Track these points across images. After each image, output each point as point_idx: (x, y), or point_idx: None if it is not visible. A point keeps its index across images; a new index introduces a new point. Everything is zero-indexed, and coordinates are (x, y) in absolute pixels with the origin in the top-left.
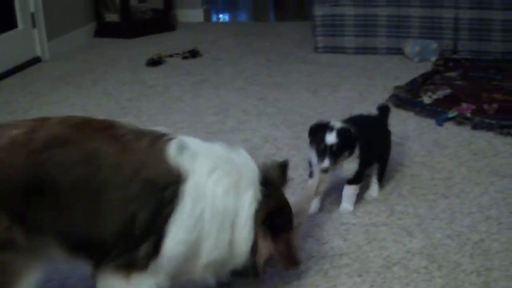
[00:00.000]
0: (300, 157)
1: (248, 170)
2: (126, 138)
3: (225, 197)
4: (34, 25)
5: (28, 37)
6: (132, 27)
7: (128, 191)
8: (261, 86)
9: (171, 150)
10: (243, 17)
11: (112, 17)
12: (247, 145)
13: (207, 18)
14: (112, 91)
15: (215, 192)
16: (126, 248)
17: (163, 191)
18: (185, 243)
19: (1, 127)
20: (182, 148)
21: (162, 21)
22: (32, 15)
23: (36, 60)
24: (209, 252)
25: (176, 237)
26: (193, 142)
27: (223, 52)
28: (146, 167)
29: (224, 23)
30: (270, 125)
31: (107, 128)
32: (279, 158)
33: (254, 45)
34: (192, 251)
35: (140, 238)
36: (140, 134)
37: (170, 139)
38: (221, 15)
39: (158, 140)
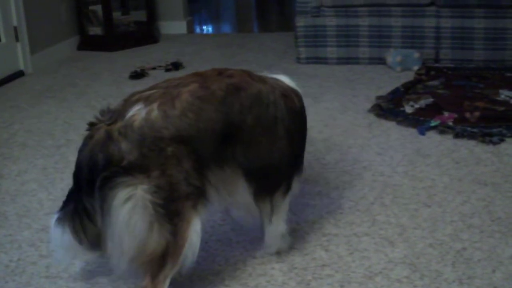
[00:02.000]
0: None
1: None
2: (265, 79)
3: None
4: (17, 38)
5: (11, 51)
6: (115, 40)
7: (287, 121)
8: None
9: (287, 81)
10: (226, 28)
11: (95, 30)
12: None
13: (190, 30)
14: (96, 105)
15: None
16: (291, 171)
17: (302, 114)
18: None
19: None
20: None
21: (145, 34)
22: (15, 28)
23: (19, 74)
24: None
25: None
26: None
27: (206, 63)
28: (288, 98)
29: (207, 35)
30: None
31: (251, 74)
32: None
33: (237, 57)
34: None
35: (298, 158)
36: (263, 76)
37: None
38: (204, 27)
39: (274, 77)
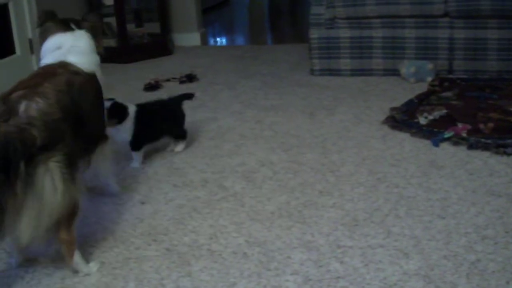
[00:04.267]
0: (297, 180)
1: None
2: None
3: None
4: (32, 51)
5: (26, 63)
6: (129, 51)
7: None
8: (258, 109)
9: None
10: (240, 40)
11: (109, 42)
12: (244, 168)
13: (204, 42)
14: None
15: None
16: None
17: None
18: None
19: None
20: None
21: (160, 46)
22: (30, 41)
23: None
24: None
25: None
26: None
27: (220, 76)
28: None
29: (221, 46)
30: (266, 149)
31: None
32: (276, 182)
33: (250, 69)
34: None
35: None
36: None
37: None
38: (218, 39)
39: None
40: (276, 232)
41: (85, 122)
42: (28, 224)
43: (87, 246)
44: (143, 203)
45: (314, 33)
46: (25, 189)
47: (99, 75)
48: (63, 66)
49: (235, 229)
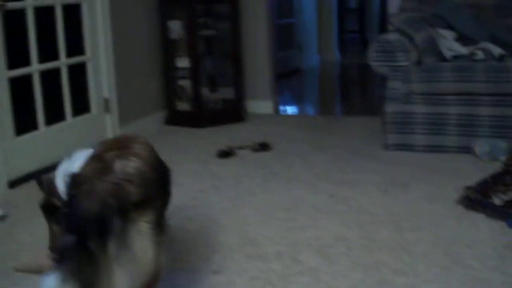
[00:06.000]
0: (372, 258)
1: None
2: None
3: None
4: (107, 110)
5: (101, 122)
6: (203, 116)
7: None
8: (331, 183)
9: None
10: (309, 110)
11: (183, 105)
12: (319, 243)
13: (277, 110)
14: (183, 182)
15: None
16: None
17: None
18: None
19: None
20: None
21: (233, 112)
22: (106, 100)
23: None
24: None
25: None
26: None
27: (293, 146)
28: None
29: (292, 116)
30: (340, 224)
31: None
32: (351, 258)
33: (323, 140)
34: None
35: None
36: None
37: None
38: (288, 107)
39: None
40: None
41: (165, 189)
42: (124, 285)
43: None
44: (216, 272)
45: (390, 107)
46: (118, 248)
47: None
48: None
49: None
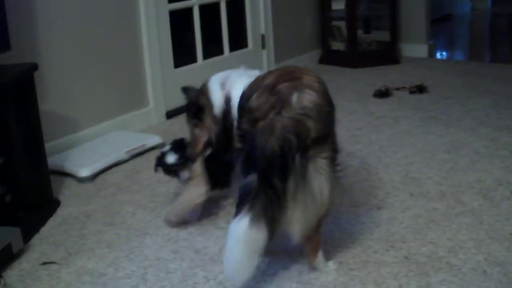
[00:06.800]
0: None
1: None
2: None
3: None
4: (263, 46)
5: (258, 58)
6: (357, 57)
7: None
8: (492, 128)
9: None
10: (460, 55)
11: (338, 45)
12: (481, 185)
13: (431, 54)
14: (342, 119)
15: None
16: None
17: None
18: None
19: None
20: None
21: (387, 54)
22: (262, 36)
23: None
24: None
25: None
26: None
27: (450, 90)
28: None
29: (448, 60)
30: (503, 168)
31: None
32: None
33: (479, 86)
34: None
35: None
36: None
37: None
38: (444, 53)
39: None
40: None
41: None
42: (300, 221)
43: (324, 244)
44: (379, 208)
45: None
46: (296, 185)
47: None
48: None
49: (474, 246)
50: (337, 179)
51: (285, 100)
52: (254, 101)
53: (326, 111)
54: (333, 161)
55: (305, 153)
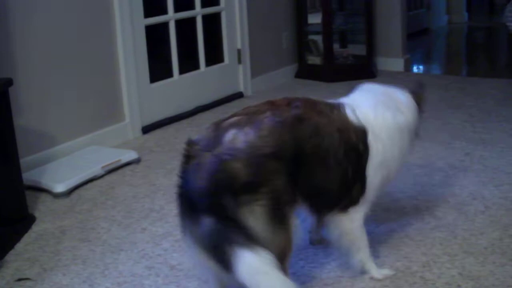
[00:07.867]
0: (510, 218)
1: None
2: (325, 111)
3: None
4: (239, 61)
5: (233, 72)
6: (333, 71)
7: (339, 154)
8: (466, 142)
9: (350, 113)
10: (437, 69)
11: (314, 60)
12: (455, 200)
13: (408, 68)
14: None
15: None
16: (344, 195)
17: (358, 146)
18: (381, 174)
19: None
20: (354, 110)
21: (363, 68)
22: (239, 51)
23: (238, 95)
24: (397, 166)
25: (374, 174)
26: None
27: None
28: (343, 133)
29: (424, 74)
30: (477, 182)
31: (315, 106)
32: (489, 217)
33: (455, 100)
34: (385, 176)
35: (351, 185)
36: (328, 105)
37: (344, 105)
38: (420, 66)
39: (339, 108)
40: (489, 268)
41: (312, 171)
42: None
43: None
44: None
45: None
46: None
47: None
48: (312, 103)
49: (449, 260)
50: (285, 230)
51: (218, 138)
52: (197, 136)
53: (263, 154)
54: (278, 211)
55: (236, 197)
